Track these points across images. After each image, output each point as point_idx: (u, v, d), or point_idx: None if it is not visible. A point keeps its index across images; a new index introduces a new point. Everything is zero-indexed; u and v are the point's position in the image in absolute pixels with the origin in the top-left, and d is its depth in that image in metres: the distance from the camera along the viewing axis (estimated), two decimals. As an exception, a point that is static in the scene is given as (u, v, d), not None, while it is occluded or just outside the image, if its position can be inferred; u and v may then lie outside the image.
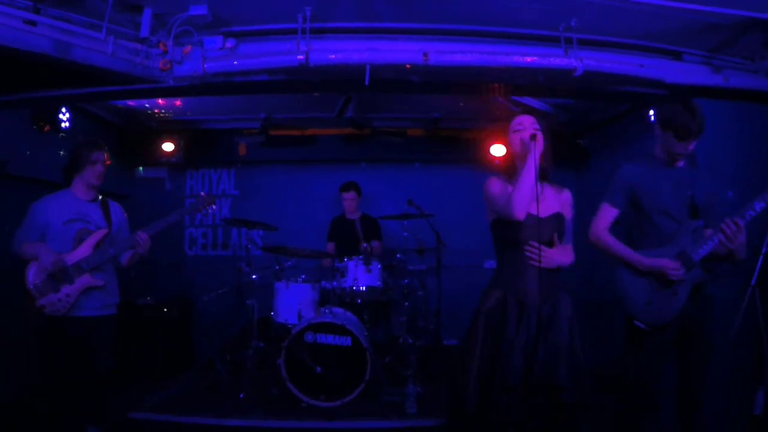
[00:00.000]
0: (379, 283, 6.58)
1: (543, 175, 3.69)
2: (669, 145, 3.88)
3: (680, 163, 3.96)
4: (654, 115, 4.01)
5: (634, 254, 3.86)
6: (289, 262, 6.93)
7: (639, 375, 3.94)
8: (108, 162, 4.75)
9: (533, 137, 3.53)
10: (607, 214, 4.02)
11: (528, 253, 3.60)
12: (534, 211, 3.54)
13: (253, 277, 6.76)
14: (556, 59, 4.67)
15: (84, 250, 4.52)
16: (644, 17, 4.47)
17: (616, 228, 4.04)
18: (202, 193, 5.01)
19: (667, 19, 4.45)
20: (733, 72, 5.00)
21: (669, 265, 3.74)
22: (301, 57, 4.47)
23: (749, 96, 5.04)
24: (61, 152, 4.72)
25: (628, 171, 4.02)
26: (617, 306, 4.00)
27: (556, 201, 3.77)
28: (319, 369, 5.76)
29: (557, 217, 3.71)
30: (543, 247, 3.60)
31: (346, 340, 5.85)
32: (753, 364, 4.46)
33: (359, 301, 6.59)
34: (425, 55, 4.54)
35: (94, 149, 4.68)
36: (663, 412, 4.00)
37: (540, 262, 3.58)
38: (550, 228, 3.65)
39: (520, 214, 3.50)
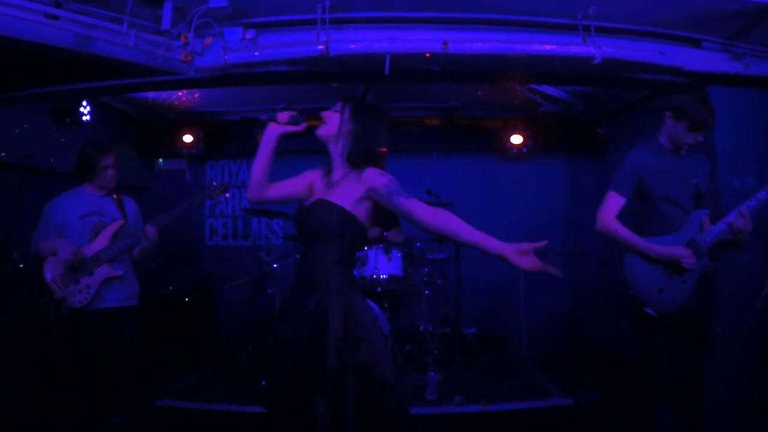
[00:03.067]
0: (399, 272, 6.58)
1: (350, 161, 3.27)
2: (679, 135, 3.93)
3: (683, 152, 4.01)
4: (665, 104, 4.03)
5: (646, 243, 3.89)
6: (310, 252, 6.97)
7: (649, 361, 3.99)
8: (116, 164, 4.81)
9: (271, 119, 3.32)
10: (614, 203, 3.99)
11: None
12: (309, 201, 3.28)
13: (274, 266, 6.80)
14: (574, 47, 4.66)
15: (101, 241, 4.59)
16: (663, 4, 4.46)
17: (624, 216, 4.04)
18: (215, 183, 5.06)
19: (685, 6, 4.44)
20: (753, 59, 4.97)
21: (682, 254, 3.79)
22: (321, 47, 4.50)
23: (770, 84, 5.02)
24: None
25: (635, 159, 4.04)
26: (627, 293, 4.01)
27: (354, 188, 3.20)
28: (340, 357, 5.78)
29: (325, 204, 3.14)
30: None
31: (367, 329, 5.86)
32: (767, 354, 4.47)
33: (379, 289, 6.58)
34: (445, 43, 4.54)
35: (102, 154, 4.74)
36: (671, 397, 4.06)
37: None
38: (314, 216, 3.15)
39: (249, 195, 3.42)
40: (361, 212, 3.19)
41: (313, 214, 3.15)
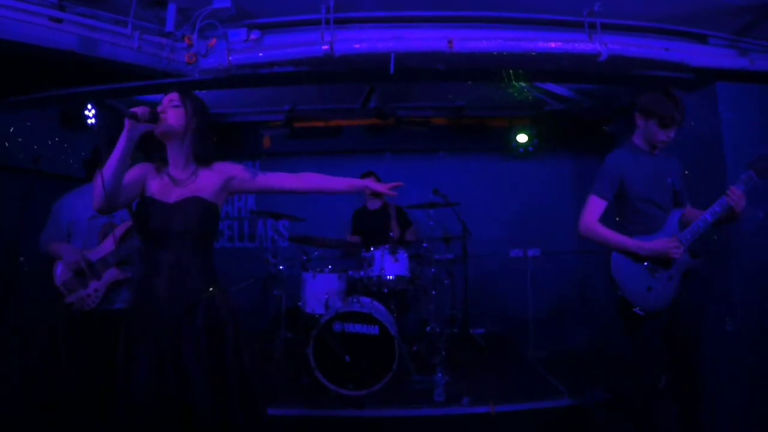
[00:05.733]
0: (406, 272, 6.56)
1: (198, 158, 3.29)
2: (651, 133, 3.97)
3: (657, 152, 4.04)
4: (636, 104, 4.07)
5: (635, 241, 3.90)
6: (316, 253, 6.97)
7: (643, 362, 3.98)
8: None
9: (132, 115, 2.93)
10: (596, 206, 4.02)
11: None
12: (169, 199, 3.16)
13: (280, 267, 6.80)
14: (580, 44, 4.67)
15: (109, 244, 4.58)
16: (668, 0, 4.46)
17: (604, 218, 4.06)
18: None
19: (691, 2, 4.44)
20: (758, 55, 4.98)
21: (669, 244, 3.80)
22: (325, 47, 4.50)
23: (776, 79, 5.00)
24: (89, 148, 4.83)
25: (614, 160, 4.07)
26: (613, 294, 4.03)
27: (210, 181, 3.27)
28: (347, 358, 5.77)
29: (195, 201, 3.17)
30: None
31: (374, 329, 5.86)
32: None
33: (386, 290, 6.56)
34: (450, 42, 4.54)
35: None
36: (668, 401, 4.04)
37: None
38: (183, 214, 3.13)
39: (96, 203, 2.99)
40: (220, 205, 3.32)
41: (181, 212, 3.14)
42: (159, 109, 3.15)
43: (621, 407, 5.09)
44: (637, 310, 3.88)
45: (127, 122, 2.96)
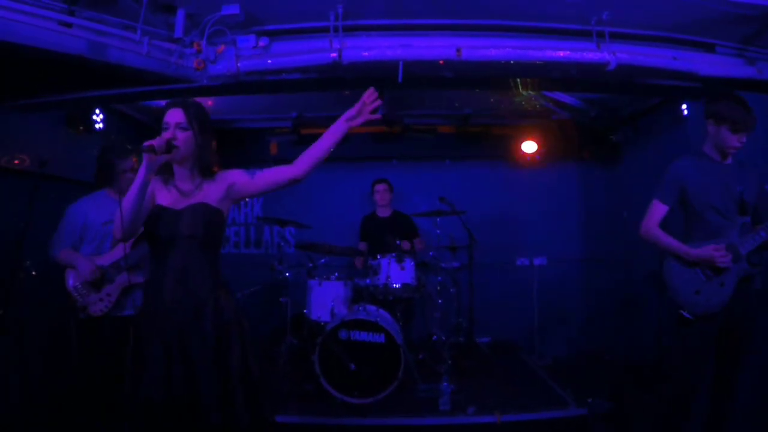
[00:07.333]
0: (412, 280, 6.54)
1: (203, 171, 3.32)
2: (722, 139, 3.94)
3: (729, 160, 4.02)
4: (705, 111, 4.05)
5: (683, 246, 3.93)
6: (322, 260, 6.95)
7: (682, 365, 3.99)
8: (135, 168, 4.80)
9: (149, 149, 2.95)
10: (657, 211, 4.06)
11: None
12: (176, 207, 3.22)
13: (286, 274, 6.77)
14: (588, 53, 4.66)
15: (121, 249, 4.57)
16: (675, 9, 4.45)
17: (669, 225, 4.07)
18: None
19: (698, 11, 4.44)
20: (766, 64, 4.95)
21: (715, 252, 3.80)
22: (334, 54, 4.50)
23: (783, 89, 4.98)
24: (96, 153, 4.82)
25: (678, 168, 4.07)
26: (666, 297, 4.03)
27: (214, 190, 3.32)
28: (352, 366, 5.75)
29: (200, 207, 3.22)
30: None
31: (380, 337, 5.84)
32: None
33: (391, 298, 6.56)
34: (458, 50, 4.53)
35: (122, 158, 4.73)
36: (699, 404, 4.03)
37: None
38: (189, 219, 3.18)
39: (116, 233, 3.12)
40: (225, 212, 3.36)
41: (188, 217, 3.18)
42: (167, 135, 3.16)
43: (627, 417, 5.09)
44: (684, 312, 3.90)
45: (145, 156, 2.98)
